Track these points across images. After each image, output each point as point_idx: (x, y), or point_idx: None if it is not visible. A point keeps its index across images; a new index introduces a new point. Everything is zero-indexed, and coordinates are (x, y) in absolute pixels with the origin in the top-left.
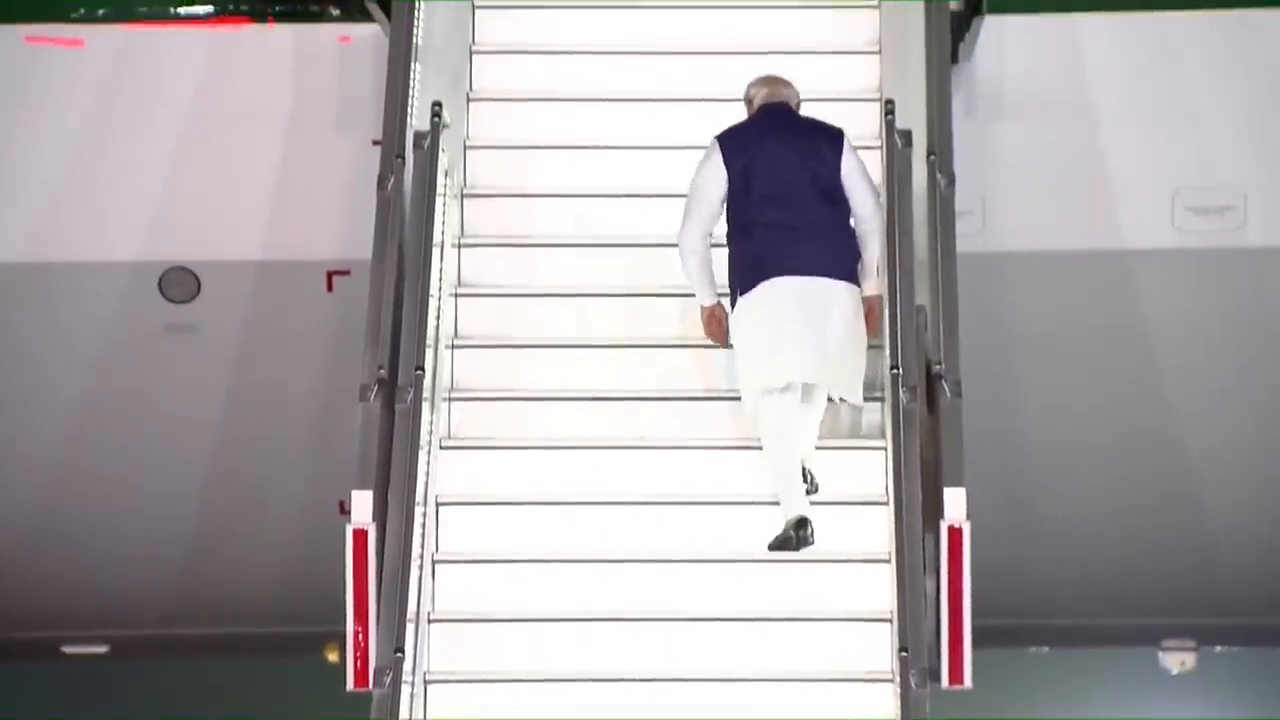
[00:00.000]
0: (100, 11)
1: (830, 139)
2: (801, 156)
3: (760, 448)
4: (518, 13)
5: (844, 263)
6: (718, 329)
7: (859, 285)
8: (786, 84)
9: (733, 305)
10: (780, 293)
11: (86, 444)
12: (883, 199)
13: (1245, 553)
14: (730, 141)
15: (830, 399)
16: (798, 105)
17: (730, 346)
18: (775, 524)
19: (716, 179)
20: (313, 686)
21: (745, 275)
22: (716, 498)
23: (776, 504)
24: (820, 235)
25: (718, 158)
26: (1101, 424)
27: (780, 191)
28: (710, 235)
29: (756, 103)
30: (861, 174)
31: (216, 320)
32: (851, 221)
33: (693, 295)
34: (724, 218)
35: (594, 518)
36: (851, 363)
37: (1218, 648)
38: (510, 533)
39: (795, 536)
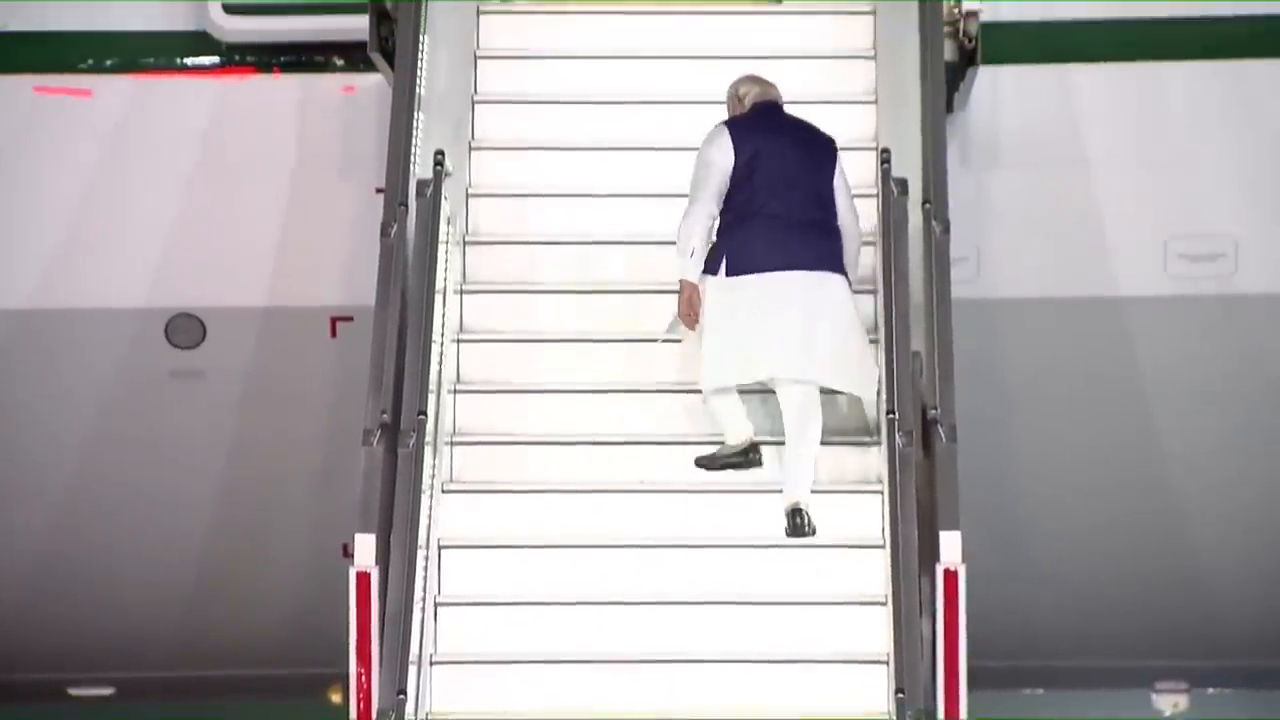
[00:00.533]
0: (108, 62)
1: (826, 144)
2: (802, 155)
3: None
4: (519, 63)
5: (838, 260)
6: (693, 311)
7: (850, 284)
8: (773, 85)
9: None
10: (774, 287)
11: (93, 487)
12: (879, 245)
13: (1237, 595)
14: (737, 129)
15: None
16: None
17: (693, 327)
18: (779, 567)
19: (725, 159)
20: None
21: (737, 256)
22: (716, 541)
23: (780, 546)
24: (818, 233)
25: (727, 139)
26: (1095, 468)
27: (783, 186)
28: (715, 215)
29: (749, 100)
30: (845, 182)
31: (222, 365)
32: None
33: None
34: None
35: (594, 561)
36: (855, 352)
37: (1210, 689)
38: (512, 575)
39: (747, 459)
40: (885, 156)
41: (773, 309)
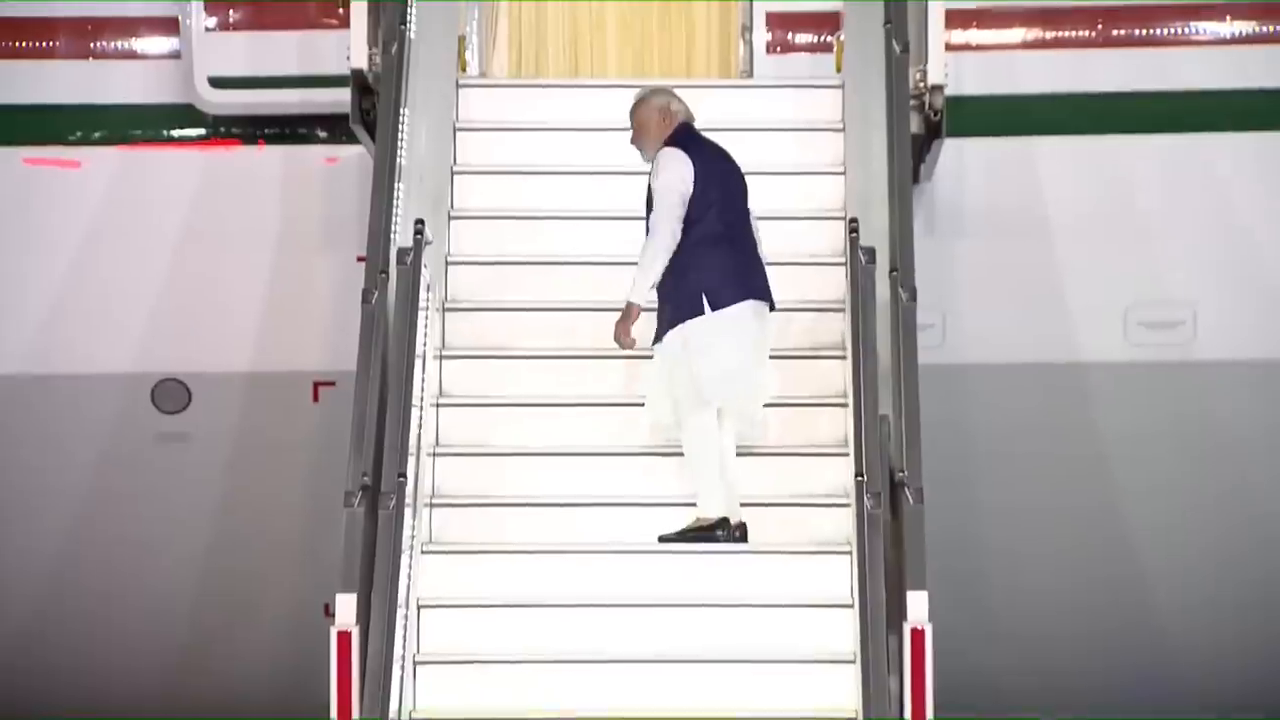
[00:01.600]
0: (97, 134)
1: (739, 168)
2: (734, 178)
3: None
4: (496, 135)
5: (768, 285)
6: (629, 335)
7: None
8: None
9: (685, 317)
10: (745, 316)
11: (80, 548)
12: (847, 312)
13: (1197, 652)
14: (690, 152)
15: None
16: None
17: (627, 345)
18: (752, 624)
19: (687, 185)
20: None
21: (719, 289)
22: (690, 600)
23: (754, 606)
24: (754, 256)
25: (688, 164)
26: (1059, 528)
27: (731, 211)
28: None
29: (681, 117)
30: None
31: (207, 429)
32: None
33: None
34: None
35: (571, 620)
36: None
37: None
38: (490, 634)
39: (720, 534)
40: (854, 226)
41: (744, 339)
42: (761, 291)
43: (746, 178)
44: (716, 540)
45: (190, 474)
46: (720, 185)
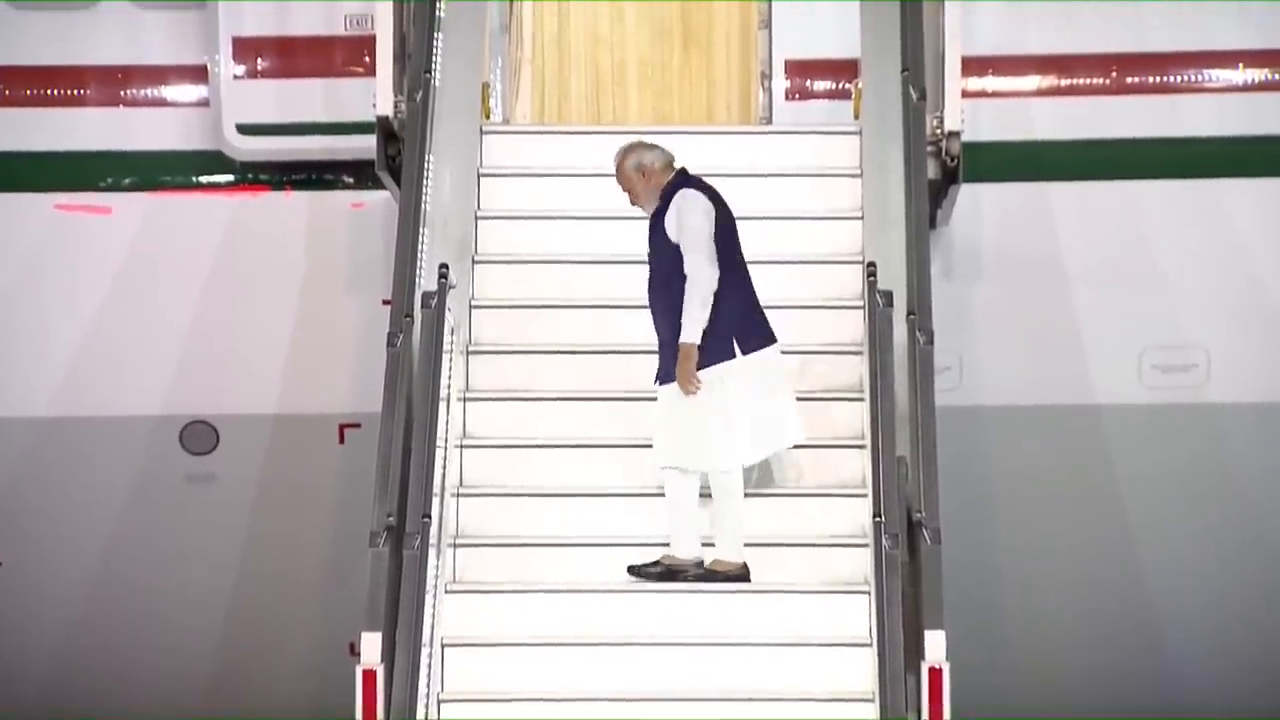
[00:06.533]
0: (127, 180)
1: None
2: (732, 218)
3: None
4: (519, 180)
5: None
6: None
7: None
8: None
9: (713, 357)
10: (764, 362)
11: (111, 585)
12: (865, 355)
13: (1211, 690)
14: (705, 192)
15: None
16: None
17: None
18: (772, 663)
19: (710, 223)
20: None
21: (743, 339)
22: (713, 639)
23: (774, 645)
24: (757, 298)
25: (708, 202)
26: (1074, 567)
27: (739, 252)
28: None
29: (661, 164)
30: None
31: (234, 470)
32: None
33: None
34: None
35: (594, 658)
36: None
37: None
38: (513, 673)
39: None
40: (871, 270)
41: (764, 386)
42: (771, 333)
43: (768, 223)
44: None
45: (218, 514)
46: (729, 227)
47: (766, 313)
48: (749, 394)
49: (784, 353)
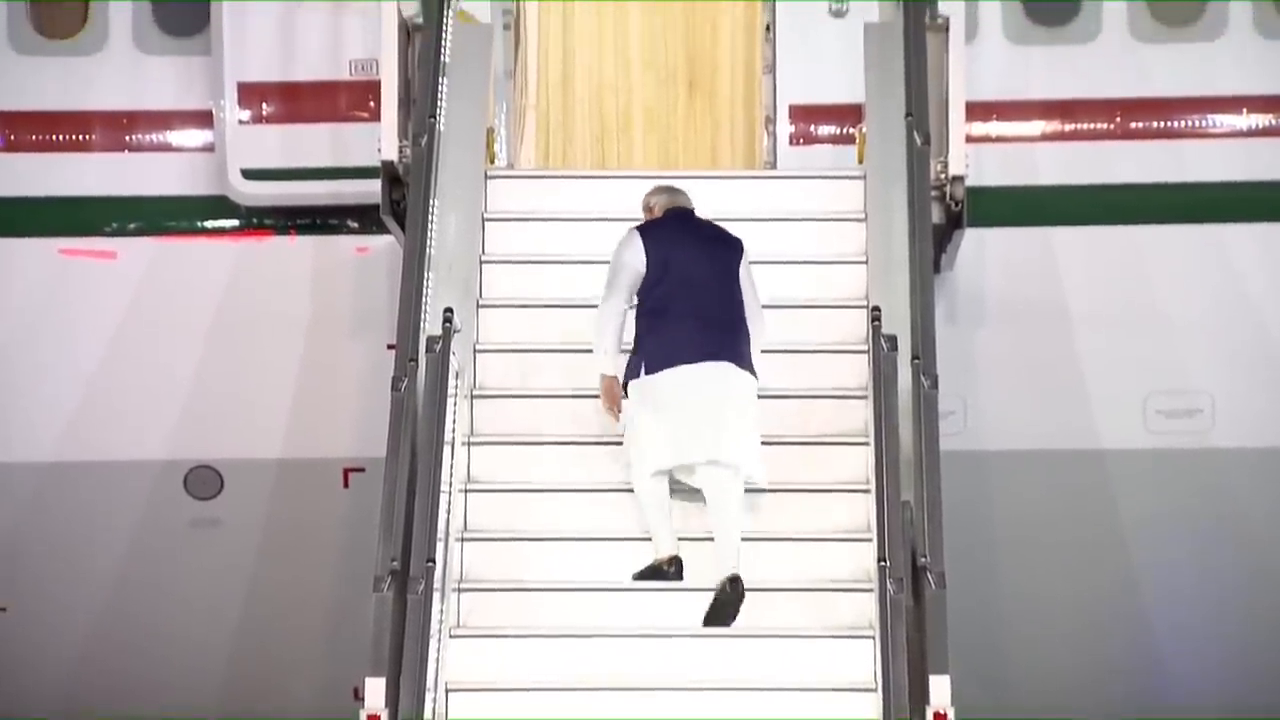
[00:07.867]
0: (132, 225)
1: (733, 246)
2: (711, 258)
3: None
4: (524, 225)
5: (745, 354)
6: (614, 399)
7: (755, 378)
8: (683, 193)
9: (628, 380)
10: (687, 378)
11: (115, 631)
12: (870, 399)
13: None
14: (648, 234)
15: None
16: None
17: (616, 416)
18: (776, 707)
19: (635, 262)
20: None
21: (653, 358)
22: (718, 684)
23: (791, 689)
24: (724, 329)
25: (639, 244)
26: (1079, 611)
27: (694, 287)
28: (625, 312)
29: (659, 209)
30: (751, 280)
31: (239, 515)
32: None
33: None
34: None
35: (602, 703)
36: (751, 441)
37: None
38: (518, 717)
39: (668, 572)
40: (876, 314)
41: (689, 399)
42: (717, 355)
43: (773, 267)
44: (667, 578)
45: (222, 559)
46: (685, 262)
47: (770, 356)
48: (655, 408)
49: (788, 397)
